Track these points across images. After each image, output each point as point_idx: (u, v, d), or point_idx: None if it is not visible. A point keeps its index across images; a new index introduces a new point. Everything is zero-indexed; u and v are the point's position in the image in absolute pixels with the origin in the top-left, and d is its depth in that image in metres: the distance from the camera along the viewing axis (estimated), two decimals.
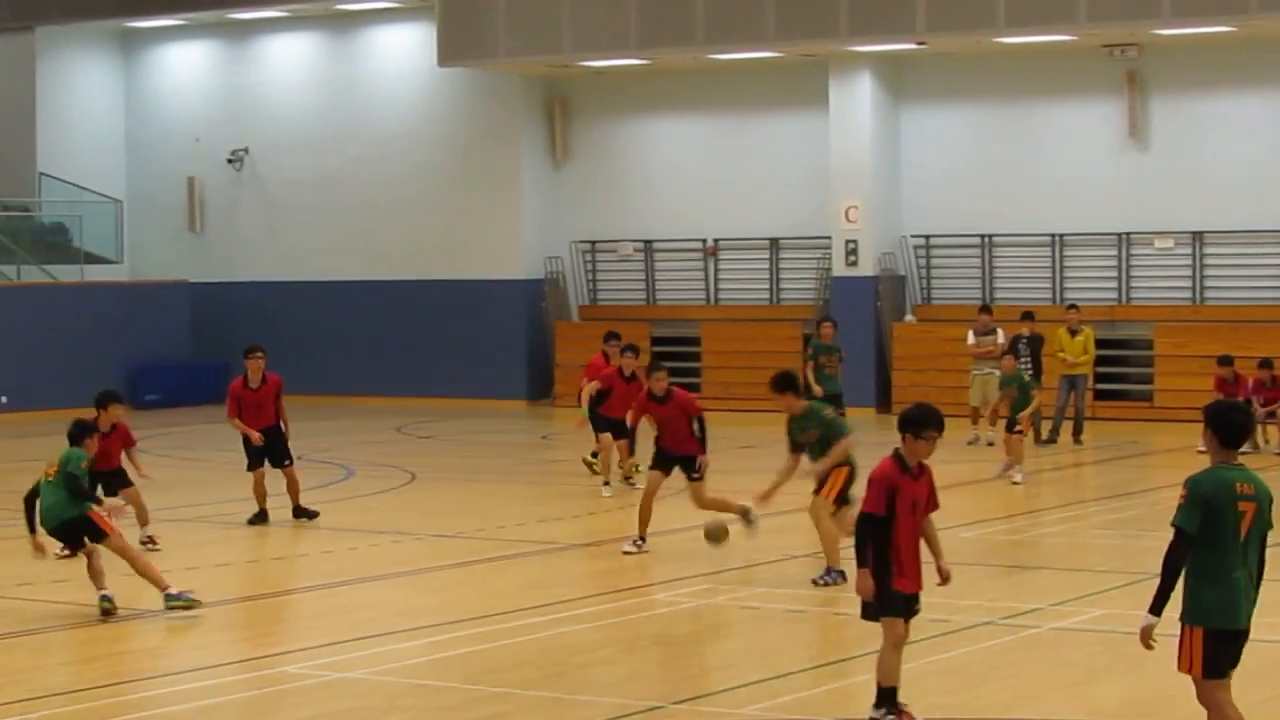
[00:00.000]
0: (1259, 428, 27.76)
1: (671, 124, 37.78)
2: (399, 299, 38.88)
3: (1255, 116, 33.17)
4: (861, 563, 11.23)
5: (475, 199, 38.30)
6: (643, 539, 18.80)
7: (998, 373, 27.37)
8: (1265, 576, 9.70)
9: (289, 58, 40.40)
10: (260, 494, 21.31)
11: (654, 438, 18.96)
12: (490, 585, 17.37)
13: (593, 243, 38.47)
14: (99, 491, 18.30)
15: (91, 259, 39.48)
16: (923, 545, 11.43)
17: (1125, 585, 16.20)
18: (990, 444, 28.12)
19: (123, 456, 19.27)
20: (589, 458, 25.21)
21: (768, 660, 13.88)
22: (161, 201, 41.35)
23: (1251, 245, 33.13)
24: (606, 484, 23.69)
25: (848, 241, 35.17)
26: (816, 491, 16.76)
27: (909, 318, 35.47)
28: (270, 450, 21.35)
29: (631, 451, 23.76)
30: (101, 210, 40.27)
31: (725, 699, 12.56)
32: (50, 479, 15.83)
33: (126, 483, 19.23)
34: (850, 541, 16.42)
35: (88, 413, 18.68)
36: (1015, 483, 24.20)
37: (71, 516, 15.76)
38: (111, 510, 17.01)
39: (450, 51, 35.76)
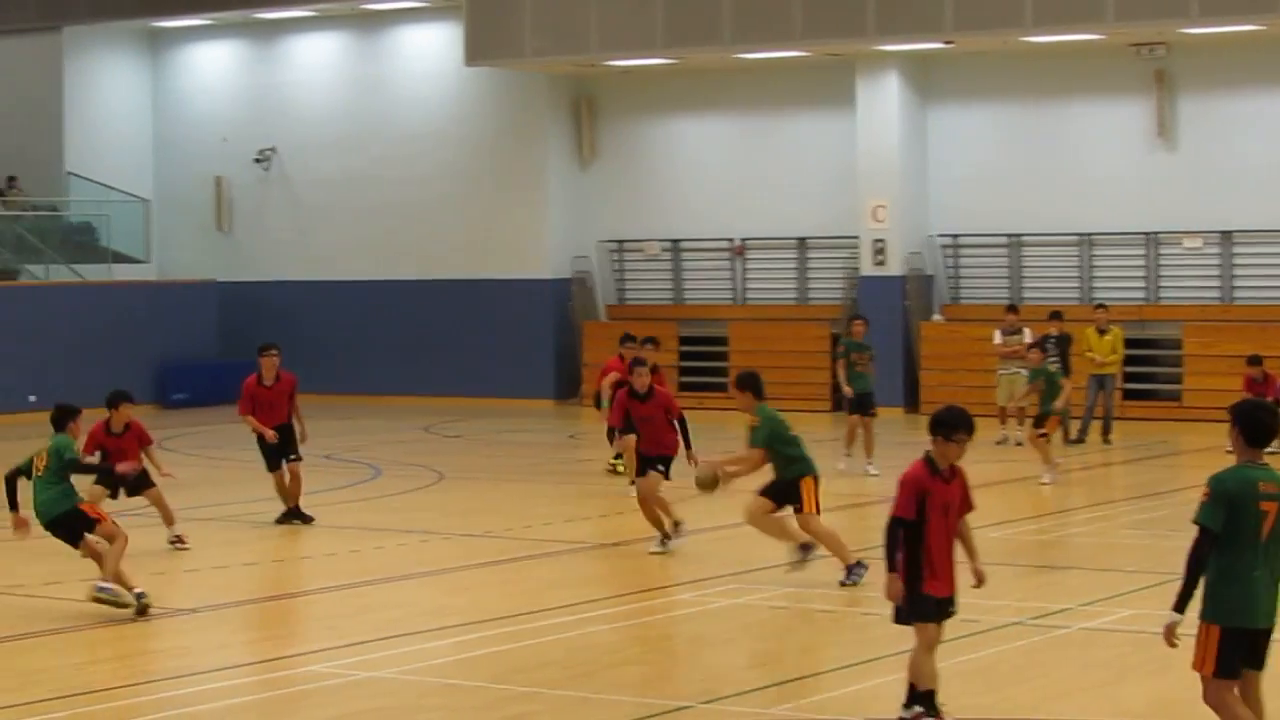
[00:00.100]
0: None
1: (698, 123, 37.73)
2: (426, 299, 38.89)
3: None
4: (891, 567, 11.16)
5: (502, 199, 38.28)
6: (666, 538, 18.78)
7: (1024, 372, 27.29)
8: None
9: (316, 57, 40.43)
10: (284, 493, 21.33)
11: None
12: (517, 585, 17.37)
13: (620, 242, 38.44)
14: (103, 484, 18.52)
15: (119, 258, 39.58)
16: (958, 546, 11.38)
17: (1154, 585, 16.11)
18: (1019, 444, 28.02)
19: (142, 456, 19.01)
20: (612, 460, 25.19)
21: (796, 660, 13.85)
22: (189, 201, 41.41)
23: None
24: (632, 483, 23.59)
25: (875, 241, 35.10)
26: (761, 492, 16.66)
27: (936, 317, 35.38)
28: (283, 447, 21.35)
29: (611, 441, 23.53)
30: (129, 210, 40.37)
31: (753, 699, 12.53)
32: (41, 474, 15.84)
33: (149, 483, 19.09)
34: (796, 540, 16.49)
35: (100, 413, 18.72)
36: (1044, 483, 24.13)
37: (64, 511, 15.82)
38: (121, 469, 17.27)
39: (477, 51, 35.82)
